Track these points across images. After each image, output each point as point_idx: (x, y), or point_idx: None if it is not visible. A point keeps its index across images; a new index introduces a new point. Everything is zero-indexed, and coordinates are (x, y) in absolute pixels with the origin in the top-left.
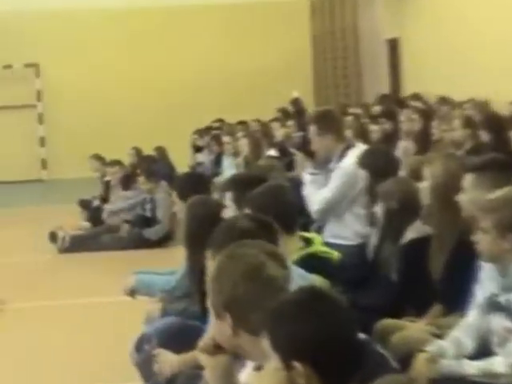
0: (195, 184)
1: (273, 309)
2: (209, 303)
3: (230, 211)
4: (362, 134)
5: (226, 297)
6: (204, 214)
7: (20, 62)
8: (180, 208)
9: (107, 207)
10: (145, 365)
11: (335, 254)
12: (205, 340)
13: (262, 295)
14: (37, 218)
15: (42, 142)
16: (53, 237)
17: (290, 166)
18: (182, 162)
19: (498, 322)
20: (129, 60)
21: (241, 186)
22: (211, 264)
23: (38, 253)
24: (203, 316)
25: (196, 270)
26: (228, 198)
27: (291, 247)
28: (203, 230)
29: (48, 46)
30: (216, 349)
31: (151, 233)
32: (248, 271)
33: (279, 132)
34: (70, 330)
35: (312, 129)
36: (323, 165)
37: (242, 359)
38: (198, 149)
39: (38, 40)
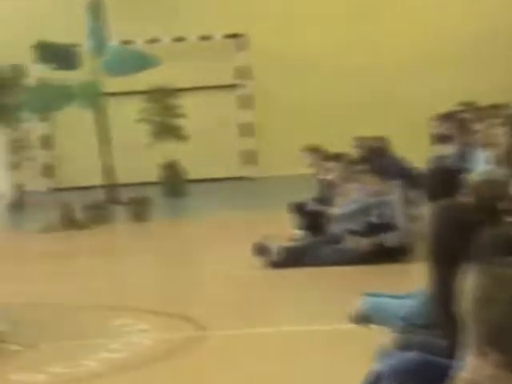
0: (447, 183)
1: None
2: (463, 335)
3: None
4: None
5: (492, 328)
6: (459, 220)
7: (221, 31)
8: (428, 213)
9: (327, 212)
10: None
11: None
12: None
13: None
14: (239, 226)
15: (245, 130)
16: (260, 249)
17: None
18: (409, 155)
19: None
20: (352, 31)
21: None
22: (470, 285)
23: (243, 268)
24: (451, 351)
25: (444, 292)
26: None
27: None
28: (457, 242)
29: (257, 13)
30: None
31: (384, 242)
32: None
33: None
34: (280, 362)
35: None
36: None
37: None
38: (439, 139)
39: (245, 5)
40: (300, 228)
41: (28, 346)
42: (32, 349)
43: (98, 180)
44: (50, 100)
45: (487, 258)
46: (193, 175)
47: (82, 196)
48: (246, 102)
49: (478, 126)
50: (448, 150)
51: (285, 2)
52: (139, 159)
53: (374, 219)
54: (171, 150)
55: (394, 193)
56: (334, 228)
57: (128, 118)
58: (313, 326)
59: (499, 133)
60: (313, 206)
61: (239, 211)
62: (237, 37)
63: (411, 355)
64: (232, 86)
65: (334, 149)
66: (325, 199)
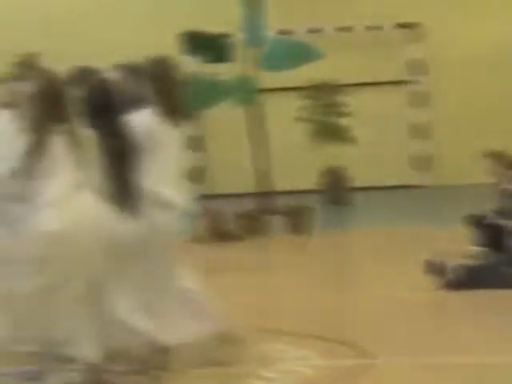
0: None
1: None
2: None
3: None
4: None
5: None
6: None
7: (391, 20)
8: None
9: (510, 226)
10: None
11: None
12: None
13: None
14: (408, 240)
15: (418, 132)
16: (433, 266)
17: None
18: None
19: None
20: None
21: None
22: None
23: (413, 288)
24: None
25: None
26: None
27: None
28: None
29: (434, 0)
30: None
31: None
32: None
33: None
34: None
35: None
36: None
37: None
38: None
39: None
40: (478, 244)
41: (173, 371)
42: (177, 374)
43: (251, 187)
44: (199, 96)
45: None
46: (357, 182)
47: (234, 204)
48: (419, 100)
49: None
50: None
51: None
52: (298, 164)
53: None
54: (333, 153)
55: None
56: None
57: (286, 118)
58: (494, 357)
59: None
60: (493, 219)
61: (408, 223)
62: (410, 27)
63: None
64: (403, 82)
65: None
66: (507, 212)
